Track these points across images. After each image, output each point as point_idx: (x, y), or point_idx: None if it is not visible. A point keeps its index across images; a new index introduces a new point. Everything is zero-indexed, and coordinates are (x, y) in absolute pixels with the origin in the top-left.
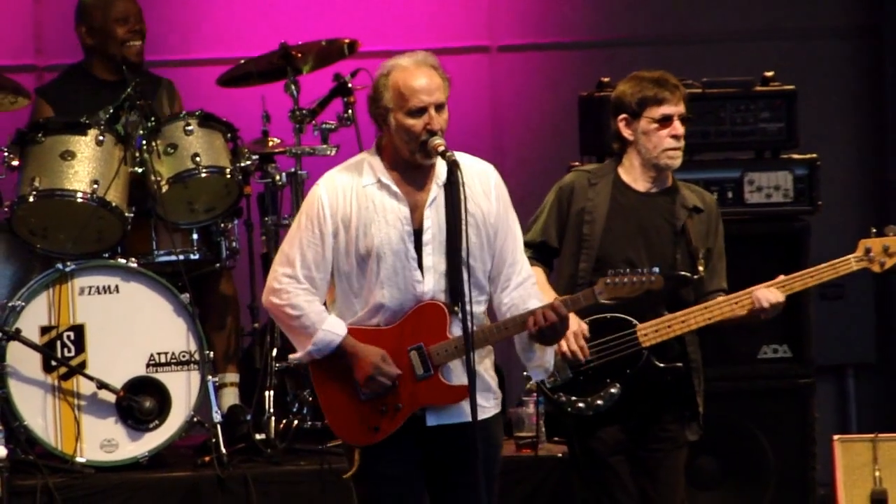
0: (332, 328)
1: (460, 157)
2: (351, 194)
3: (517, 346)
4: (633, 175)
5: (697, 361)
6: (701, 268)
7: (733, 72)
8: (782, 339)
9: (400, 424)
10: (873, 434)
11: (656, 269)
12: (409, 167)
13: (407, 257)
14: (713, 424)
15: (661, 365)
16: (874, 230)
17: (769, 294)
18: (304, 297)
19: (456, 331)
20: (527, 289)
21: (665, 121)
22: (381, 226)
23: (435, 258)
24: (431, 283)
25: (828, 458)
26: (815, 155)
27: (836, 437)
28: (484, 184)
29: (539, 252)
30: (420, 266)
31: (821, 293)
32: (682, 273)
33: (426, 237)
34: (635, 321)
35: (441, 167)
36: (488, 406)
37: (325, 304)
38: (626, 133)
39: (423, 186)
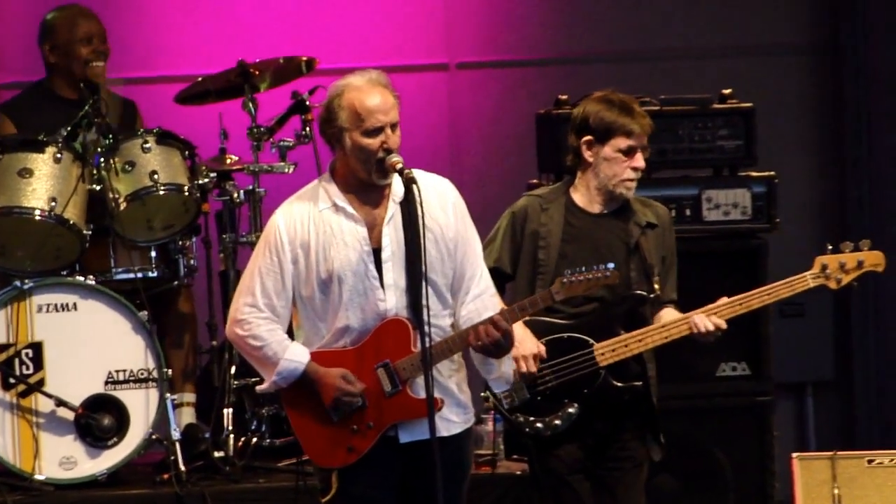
0: (294, 356)
1: (416, 173)
2: (308, 221)
3: (475, 359)
4: (586, 197)
5: (655, 379)
6: (657, 286)
7: (691, 89)
8: (741, 357)
9: (373, 442)
10: (832, 452)
11: (611, 265)
12: (365, 187)
13: (368, 276)
14: (672, 442)
15: (619, 384)
16: (830, 247)
17: (707, 321)
18: (265, 326)
19: (420, 345)
20: (483, 301)
21: (629, 152)
22: (340, 248)
23: (395, 275)
24: (393, 300)
25: (787, 476)
26: (773, 172)
27: (795, 454)
28: (441, 199)
29: (492, 278)
30: (381, 284)
31: (780, 310)
32: (639, 293)
33: (385, 255)
34: (592, 341)
35: (397, 185)
36: (458, 421)
37: (291, 329)
38: (587, 154)
39: (380, 205)
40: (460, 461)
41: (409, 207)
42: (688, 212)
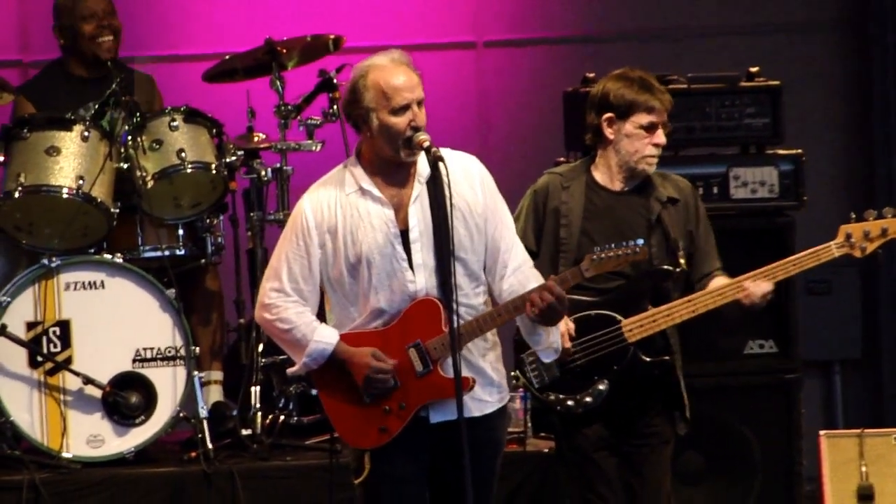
0: (323, 338)
1: (442, 151)
2: (335, 205)
3: (522, 330)
4: (607, 175)
5: (679, 355)
6: (682, 260)
7: (718, 67)
8: (769, 335)
9: (406, 423)
10: (860, 430)
11: (640, 241)
12: (390, 169)
13: (397, 259)
14: (699, 420)
15: (648, 359)
16: (853, 216)
17: (762, 285)
18: (293, 309)
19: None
20: (524, 272)
21: (650, 128)
22: (368, 231)
23: (424, 255)
24: (423, 280)
25: (814, 454)
26: (800, 150)
27: (822, 432)
28: (467, 175)
29: None
30: (410, 265)
31: (807, 288)
32: (664, 268)
33: (413, 235)
34: (620, 317)
35: (422, 164)
36: (491, 400)
37: (323, 312)
38: (608, 132)
39: (406, 186)
40: (492, 441)
41: (436, 186)
42: (715, 190)
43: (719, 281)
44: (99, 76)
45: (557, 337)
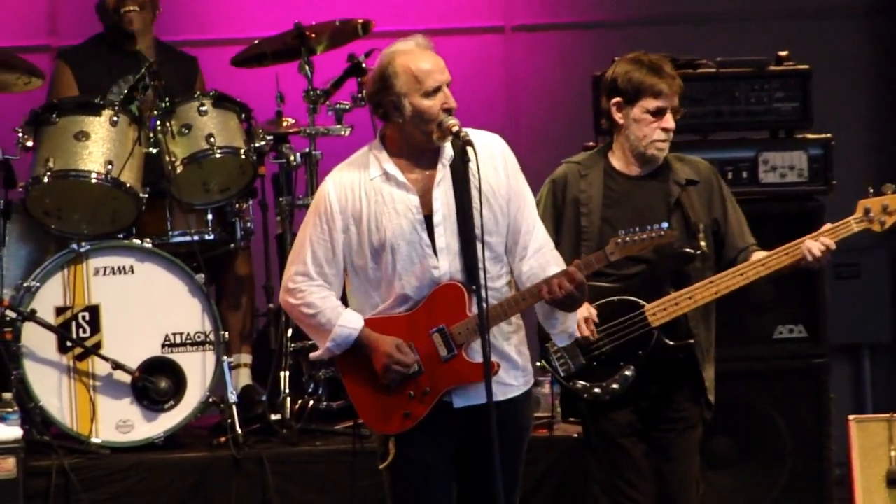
0: (348, 323)
1: (466, 131)
2: (359, 189)
3: (539, 314)
4: (623, 160)
5: (700, 338)
6: (703, 243)
7: (747, 51)
8: (798, 319)
9: (430, 408)
10: (889, 414)
11: (665, 224)
12: (416, 153)
13: (421, 245)
14: (728, 405)
15: (672, 343)
16: (871, 190)
17: (818, 243)
18: (318, 294)
19: (476, 309)
20: (545, 255)
21: (659, 113)
22: (392, 217)
23: (448, 239)
24: (447, 264)
25: (843, 439)
26: (829, 135)
27: (851, 417)
28: (491, 156)
29: None
30: (434, 251)
31: (836, 273)
32: (685, 250)
33: (437, 219)
34: (643, 302)
35: (447, 147)
36: (516, 384)
37: (345, 296)
38: (617, 116)
39: (430, 170)
40: (518, 424)
41: (461, 169)
42: (744, 174)
43: (757, 256)
44: (136, 48)
45: (573, 322)
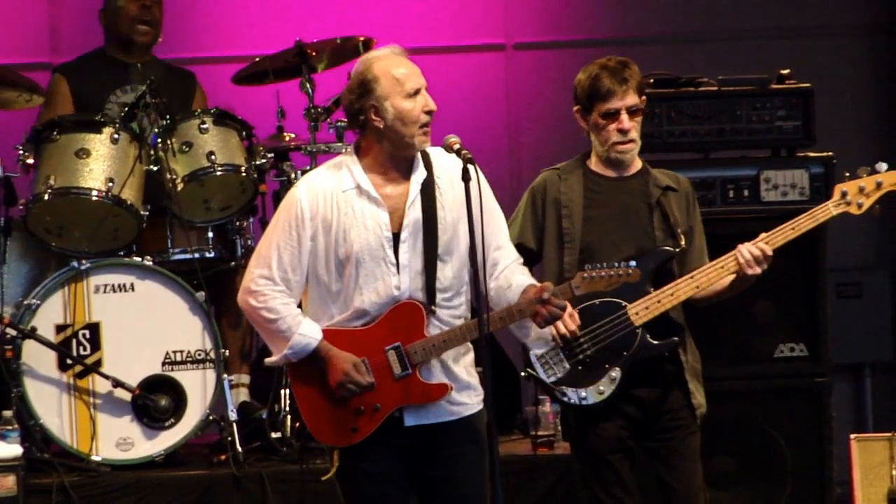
0: (308, 332)
1: (433, 151)
2: (331, 199)
3: (511, 325)
4: (600, 165)
5: (684, 338)
6: (683, 242)
7: (749, 70)
8: (799, 338)
9: (378, 425)
10: (890, 433)
11: (633, 263)
12: (389, 166)
13: (386, 262)
14: (730, 423)
15: (656, 342)
16: (847, 174)
17: (752, 247)
18: (280, 299)
19: (433, 329)
20: (511, 269)
21: (612, 115)
22: (361, 231)
23: (411, 256)
24: (407, 281)
25: (845, 458)
26: (831, 153)
27: (853, 436)
28: (460, 175)
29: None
30: (398, 269)
31: (837, 291)
32: (665, 248)
33: (403, 235)
34: (625, 302)
35: (418, 164)
36: (470, 403)
37: (299, 305)
38: (582, 124)
39: (402, 186)
40: (474, 439)
41: (430, 189)
42: (746, 192)
43: None
44: (135, 61)
45: (546, 328)
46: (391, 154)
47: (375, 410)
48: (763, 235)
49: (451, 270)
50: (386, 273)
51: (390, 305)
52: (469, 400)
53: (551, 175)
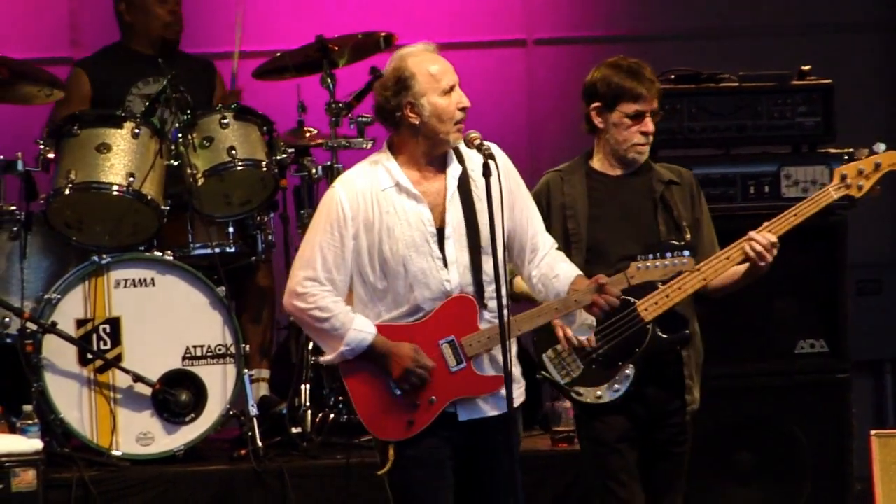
0: (363, 327)
1: (461, 145)
2: (371, 197)
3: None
4: (605, 163)
5: (695, 333)
6: (688, 235)
7: (770, 66)
8: (819, 334)
9: (434, 417)
10: None
11: (687, 252)
12: (425, 164)
13: (433, 257)
14: (750, 420)
15: (666, 336)
16: (846, 158)
17: (759, 237)
18: (330, 298)
19: (484, 323)
20: (553, 255)
21: (638, 117)
22: (405, 229)
23: (458, 252)
24: (457, 276)
25: (865, 454)
26: (851, 149)
27: (873, 432)
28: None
29: None
30: (445, 263)
31: (858, 288)
32: (671, 242)
33: (447, 232)
34: (634, 299)
35: (452, 159)
36: (515, 396)
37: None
38: (597, 121)
39: (438, 181)
40: (517, 433)
41: (468, 183)
42: (766, 188)
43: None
44: (157, 54)
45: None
46: (426, 150)
47: (431, 403)
48: (766, 224)
49: (493, 263)
50: (434, 268)
51: (442, 300)
52: (517, 392)
53: (553, 177)
